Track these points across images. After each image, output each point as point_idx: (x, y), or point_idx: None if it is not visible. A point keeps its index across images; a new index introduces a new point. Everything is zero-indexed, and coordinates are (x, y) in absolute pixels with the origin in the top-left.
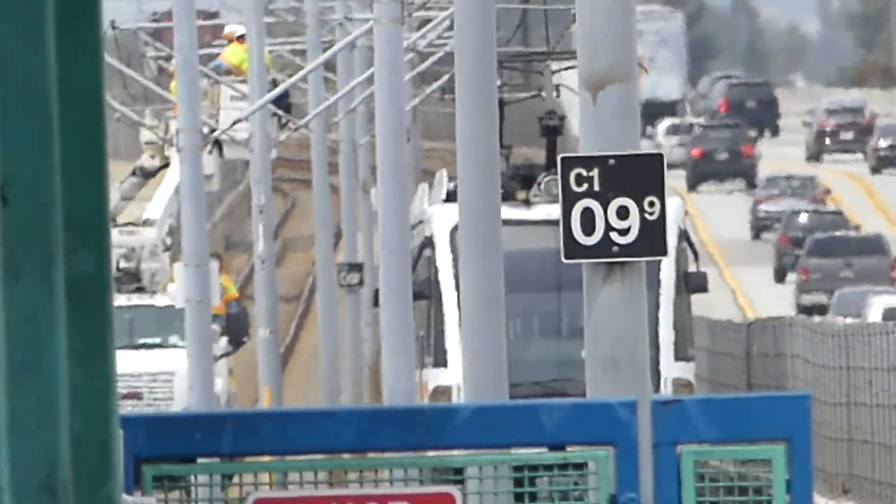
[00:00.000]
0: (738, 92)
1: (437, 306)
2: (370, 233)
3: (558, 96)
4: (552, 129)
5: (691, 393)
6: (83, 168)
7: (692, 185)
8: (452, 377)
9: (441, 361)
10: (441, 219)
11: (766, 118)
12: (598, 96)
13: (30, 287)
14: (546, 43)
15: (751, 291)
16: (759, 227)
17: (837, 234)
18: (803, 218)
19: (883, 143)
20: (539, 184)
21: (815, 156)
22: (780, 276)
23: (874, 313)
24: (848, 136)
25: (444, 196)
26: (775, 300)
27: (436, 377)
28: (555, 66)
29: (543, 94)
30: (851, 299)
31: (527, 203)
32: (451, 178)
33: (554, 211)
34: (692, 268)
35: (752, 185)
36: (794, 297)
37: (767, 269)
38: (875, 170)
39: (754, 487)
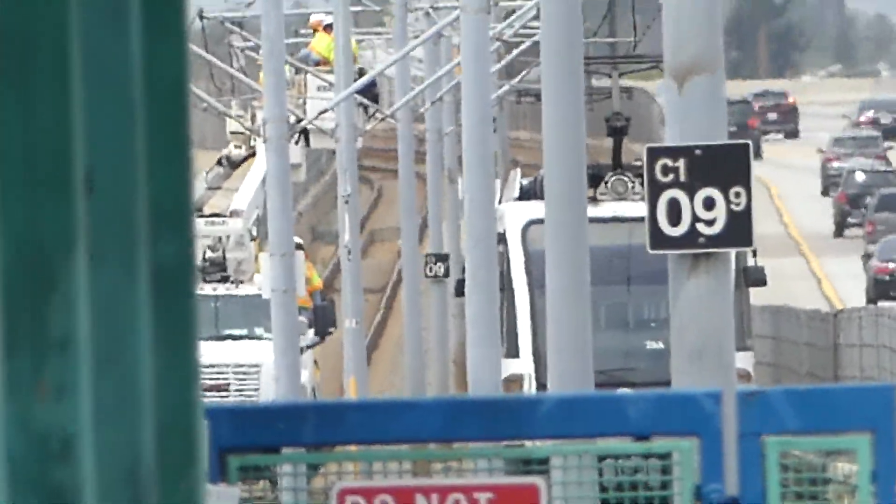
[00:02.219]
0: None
1: (509, 299)
2: (456, 223)
3: (630, 98)
4: (618, 130)
5: (749, 382)
6: (167, 156)
7: None
8: (524, 366)
9: (513, 352)
10: (513, 216)
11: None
12: (684, 86)
13: (113, 275)
14: (633, 33)
15: (814, 244)
16: (829, 183)
17: None
18: (860, 176)
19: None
20: (606, 182)
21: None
22: (839, 231)
23: None
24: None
25: (516, 194)
26: (840, 256)
27: (507, 367)
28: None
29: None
30: (894, 245)
31: (594, 201)
32: (525, 176)
33: (620, 209)
34: (750, 262)
35: (756, 155)
36: (863, 247)
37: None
38: None
39: (839, 478)
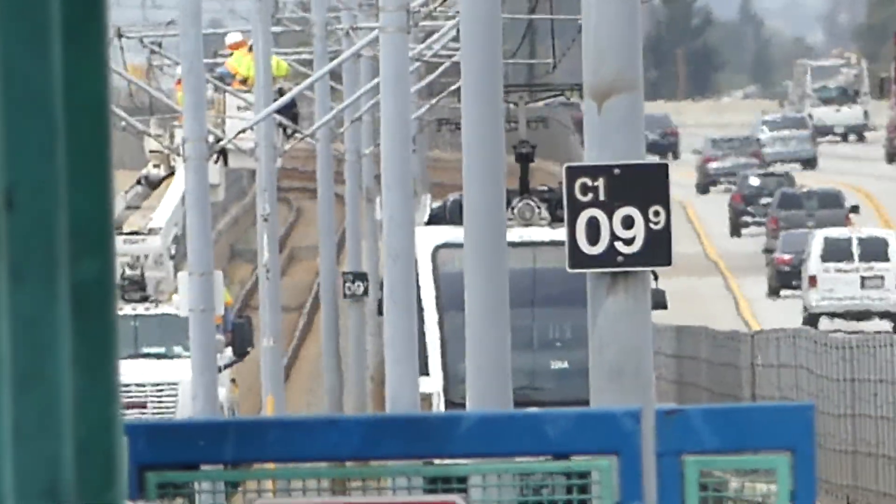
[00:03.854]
0: None
1: (419, 320)
2: (374, 242)
3: (546, 127)
4: (525, 157)
5: None
6: (88, 175)
7: None
8: (433, 385)
9: (423, 371)
10: (423, 240)
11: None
12: (604, 106)
13: (33, 293)
14: (552, 54)
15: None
16: (707, 182)
17: (803, 189)
18: (754, 180)
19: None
20: (513, 208)
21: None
22: (735, 231)
23: (816, 245)
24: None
25: (426, 219)
26: (738, 250)
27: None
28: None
29: (516, 125)
30: (795, 239)
31: None
32: (434, 200)
33: (526, 234)
34: (651, 285)
35: None
36: (766, 242)
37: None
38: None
39: (757, 498)
